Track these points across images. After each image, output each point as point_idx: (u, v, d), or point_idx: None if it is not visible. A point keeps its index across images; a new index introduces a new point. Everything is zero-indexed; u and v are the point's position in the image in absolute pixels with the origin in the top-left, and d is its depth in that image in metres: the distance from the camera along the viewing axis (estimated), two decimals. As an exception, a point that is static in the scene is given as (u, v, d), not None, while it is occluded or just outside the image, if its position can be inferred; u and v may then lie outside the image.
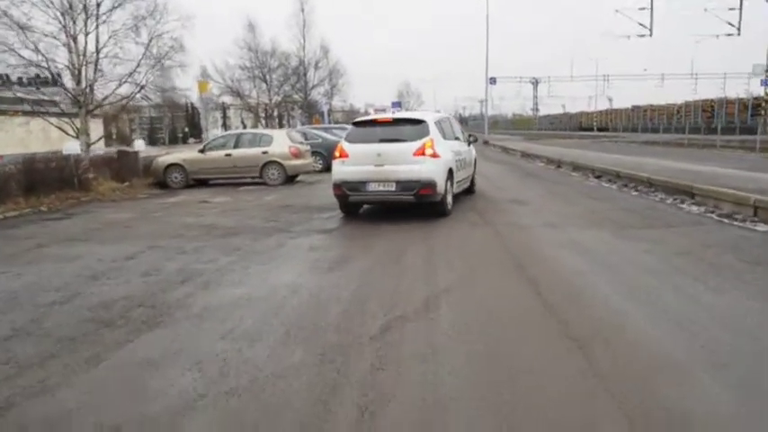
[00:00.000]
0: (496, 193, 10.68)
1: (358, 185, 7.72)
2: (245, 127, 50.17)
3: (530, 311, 3.93)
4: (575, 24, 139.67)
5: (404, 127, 8.03)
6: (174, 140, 72.87)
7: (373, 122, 8.48)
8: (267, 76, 34.95)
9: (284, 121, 44.94)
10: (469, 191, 10.19)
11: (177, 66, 17.28)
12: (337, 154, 8.03)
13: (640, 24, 32.99)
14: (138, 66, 17.99)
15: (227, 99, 38.90)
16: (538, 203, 9.27)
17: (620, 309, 3.91)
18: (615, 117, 66.42)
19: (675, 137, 33.68)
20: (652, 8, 32.54)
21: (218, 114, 75.90)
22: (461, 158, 8.98)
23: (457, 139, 9.35)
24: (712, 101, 48.69)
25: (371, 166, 7.61)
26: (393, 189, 7.57)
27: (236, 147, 14.06)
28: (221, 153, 13.94)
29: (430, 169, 7.50)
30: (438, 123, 8.34)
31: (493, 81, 37.89)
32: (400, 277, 4.92)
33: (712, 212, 7.51)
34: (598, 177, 12.33)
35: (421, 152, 7.56)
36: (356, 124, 8.61)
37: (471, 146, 10.36)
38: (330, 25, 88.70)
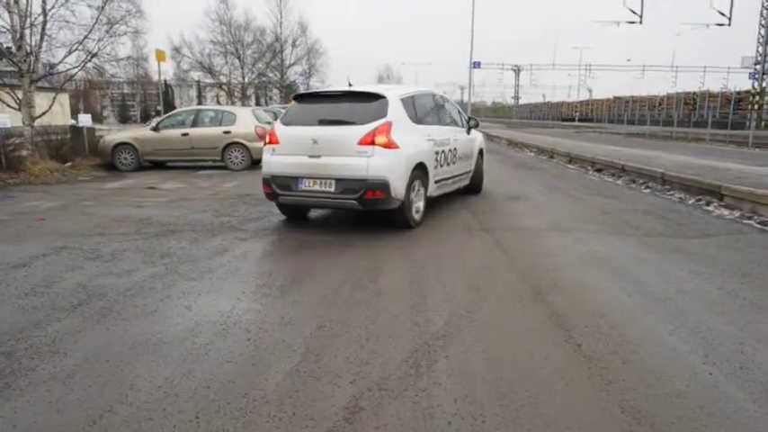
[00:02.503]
0: (489, 186, 9.38)
1: (289, 182, 5.85)
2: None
3: (571, 380, 2.61)
4: (561, 10, 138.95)
5: (354, 104, 5.94)
6: (146, 118, 69.77)
7: (318, 96, 6.52)
8: (240, 52, 32.92)
9: (261, 101, 42.88)
10: (471, 190, 8.36)
11: (132, 32, 15.42)
12: (267, 139, 6.15)
13: (631, 11, 31.89)
14: (91, 31, 16.22)
15: (197, 75, 36.59)
16: (538, 200, 8.01)
17: (707, 382, 2.62)
18: (596, 108, 66.00)
19: (660, 129, 32.94)
20: (643, -5, 31.42)
21: (194, 93, 72.98)
22: (448, 149, 6.83)
23: (451, 122, 7.34)
24: (695, 94, 48.39)
25: (305, 158, 5.72)
26: (332, 190, 5.65)
27: (194, 125, 12.44)
28: (177, 132, 12.31)
29: (380, 165, 5.50)
30: (406, 101, 6.15)
31: (477, 65, 36.48)
32: (376, 309, 3.56)
33: (750, 218, 6.32)
34: (599, 171, 11.11)
35: (368, 140, 5.53)
36: (298, 99, 6.58)
37: (473, 132, 8.12)
38: (309, 1, 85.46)
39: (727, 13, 31.42)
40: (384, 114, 5.69)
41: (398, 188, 5.63)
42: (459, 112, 7.98)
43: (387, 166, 5.54)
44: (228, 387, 2.57)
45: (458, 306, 3.59)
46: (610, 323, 3.30)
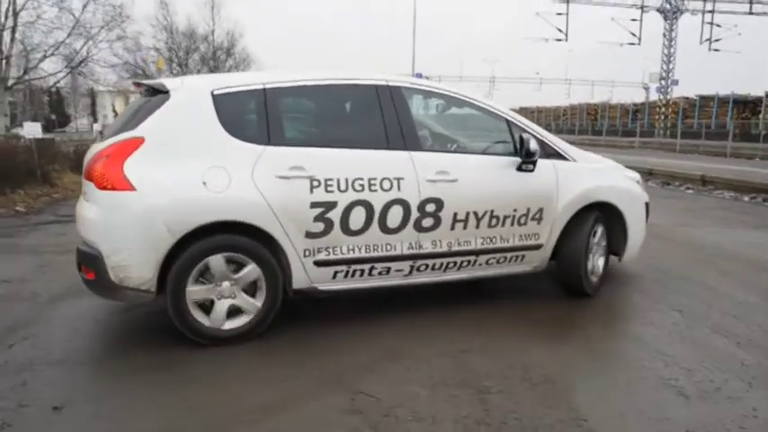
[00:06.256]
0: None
1: None
2: (116, 115, 45.34)
3: None
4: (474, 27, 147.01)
5: (137, 106, 3.44)
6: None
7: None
8: (183, 60, 31.56)
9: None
10: (563, 285, 4.05)
11: (128, 37, 14.72)
12: None
13: (558, 29, 34.88)
14: (70, 35, 15.18)
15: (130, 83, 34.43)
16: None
17: None
18: (505, 117, 70.33)
19: (586, 137, 36.15)
20: (568, 14, 34.57)
21: (88, 101, 67.71)
22: (396, 199, 3.29)
23: (451, 144, 3.98)
24: (596, 105, 53.37)
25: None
26: None
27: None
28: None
29: (90, 220, 3.01)
30: (233, 99, 3.18)
31: (419, 76, 37.93)
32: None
33: (818, 211, 7.65)
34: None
35: (88, 173, 3.04)
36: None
37: (551, 165, 3.77)
38: (243, 10, 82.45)
39: (637, 33, 35.41)
40: (134, 126, 3.04)
41: (127, 268, 2.92)
42: (509, 121, 3.79)
43: (100, 223, 2.96)
44: None
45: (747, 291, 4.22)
46: None
